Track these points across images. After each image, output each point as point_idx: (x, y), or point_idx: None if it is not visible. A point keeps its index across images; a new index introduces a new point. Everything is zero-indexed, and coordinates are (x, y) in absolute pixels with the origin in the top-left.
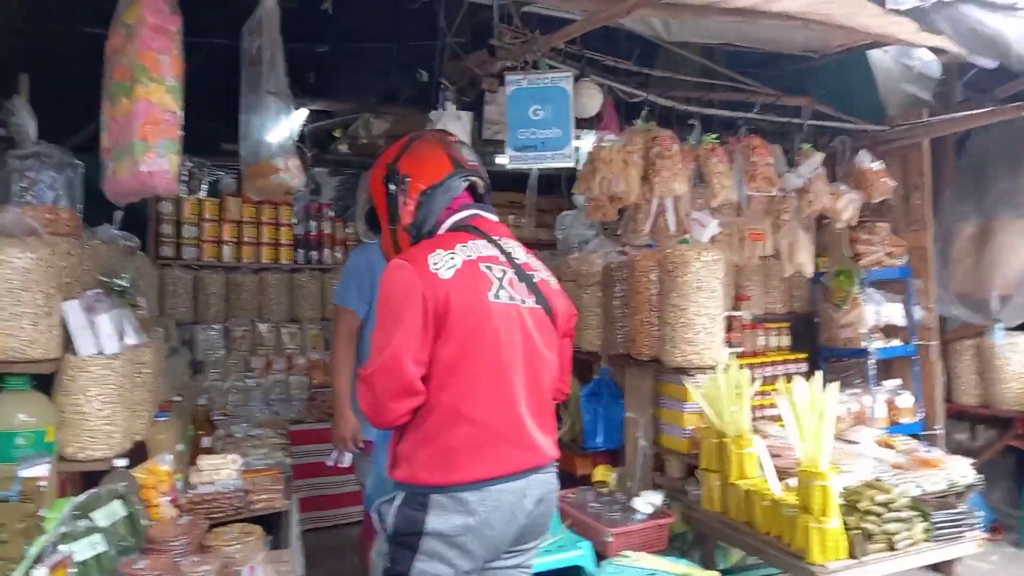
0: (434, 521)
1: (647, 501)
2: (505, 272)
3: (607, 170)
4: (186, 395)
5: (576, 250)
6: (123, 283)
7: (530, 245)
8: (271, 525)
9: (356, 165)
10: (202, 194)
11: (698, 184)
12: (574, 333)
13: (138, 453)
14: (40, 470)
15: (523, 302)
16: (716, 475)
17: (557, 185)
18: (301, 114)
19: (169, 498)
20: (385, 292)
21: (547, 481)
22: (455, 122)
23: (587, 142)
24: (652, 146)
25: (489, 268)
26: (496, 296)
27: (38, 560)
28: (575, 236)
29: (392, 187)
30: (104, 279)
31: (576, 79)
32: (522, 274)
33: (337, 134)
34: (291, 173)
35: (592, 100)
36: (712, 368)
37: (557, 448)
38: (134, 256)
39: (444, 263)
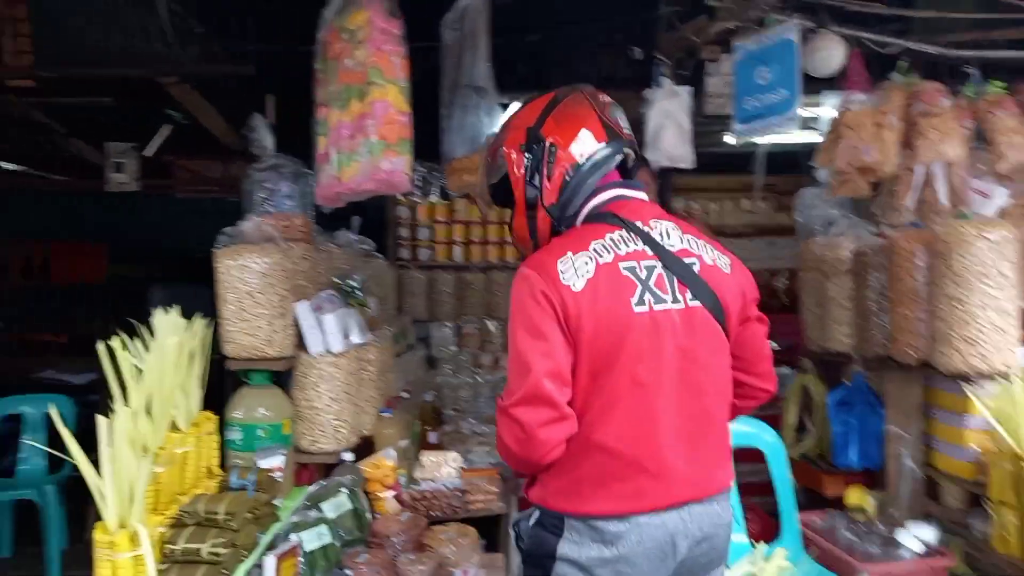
0: (567, 547)
1: (916, 535)
2: (652, 269)
3: (855, 137)
4: (415, 391)
5: (819, 233)
6: (353, 284)
7: (768, 232)
8: (487, 526)
9: None
10: (433, 197)
11: (977, 146)
12: (757, 315)
13: (366, 448)
14: (276, 461)
15: (676, 303)
16: (1012, 510)
17: (797, 163)
18: (509, 107)
19: (393, 493)
20: (516, 308)
21: (710, 516)
22: (672, 99)
23: (829, 106)
24: (913, 103)
25: (631, 270)
26: (640, 303)
27: (270, 547)
28: (817, 217)
29: (532, 157)
30: (336, 281)
31: (811, 31)
32: (676, 266)
33: None
34: None
35: (833, 54)
36: (1003, 375)
37: (728, 474)
38: (370, 259)
39: (576, 271)
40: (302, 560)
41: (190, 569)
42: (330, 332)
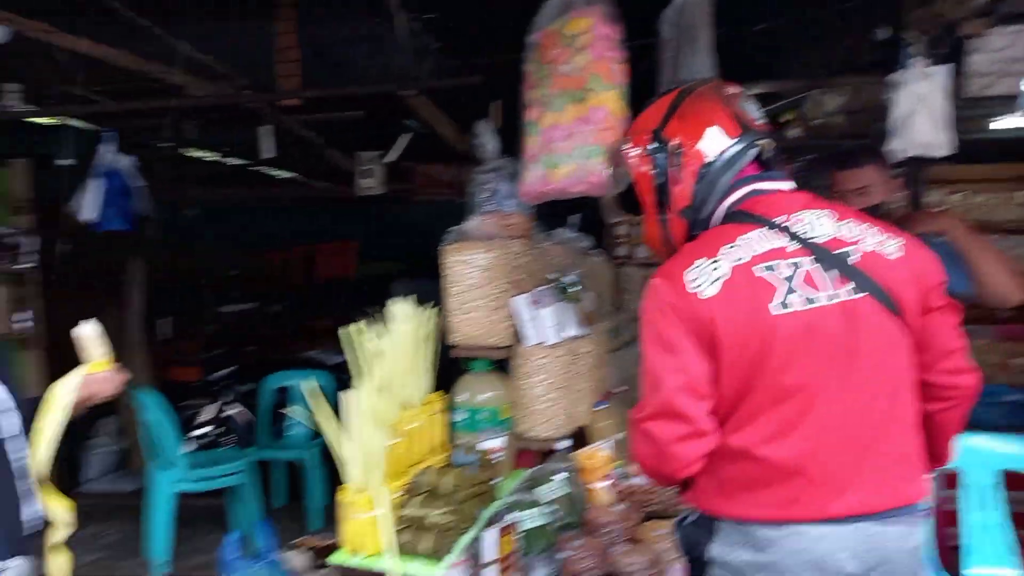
0: (719, 549)
1: None
2: (797, 266)
3: None
4: (631, 387)
5: None
6: (568, 280)
7: None
8: None
9: (813, 149)
10: None
11: None
12: (943, 302)
13: (581, 438)
14: (495, 443)
15: (833, 298)
16: None
17: None
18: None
19: (607, 484)
20: (645, 320)
21: (888, 537)
22: (925, 81)
23: None
24: None
25: (771, 268)
26: (784, 305)
27: (490, 523)
28: None
29: (659, 161)
30: (552, 277)
31: None
32: (829, 259)
33: (788, 117)
34: None
35: None
36: None
37: (918, 489)
38: (587, 256)
39: (705, 277)
40: (519, 537)
41: (419, 534)
42: (545, 325)
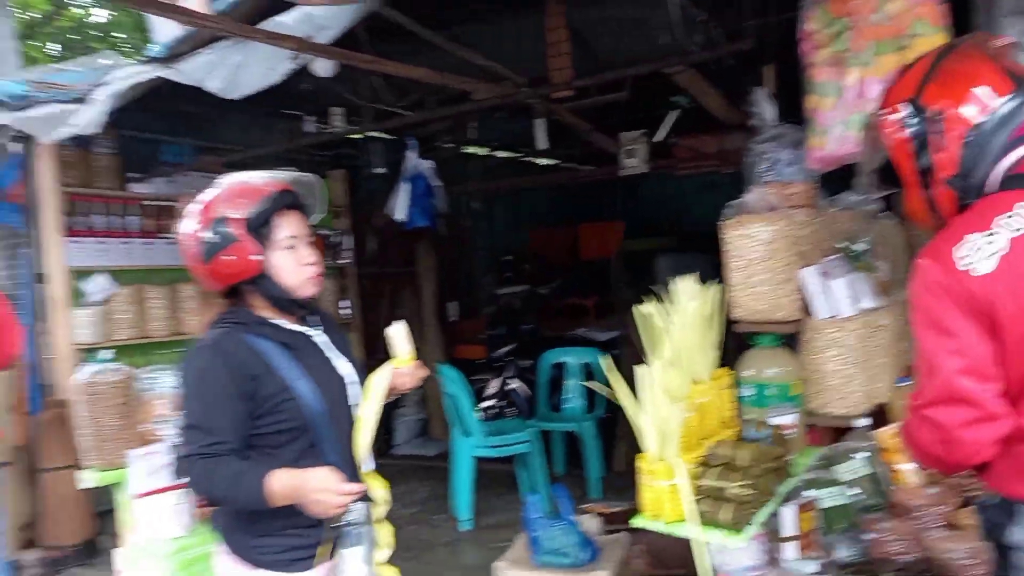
0: (1021, 534)
1: None
2: None
3: None
4: None
5: None
6: (859, 248)
7: None
8: None
9: None
10: None
11: None
12: None
13: (881, 416)
14: (787, 419)
15: None
16: None
17: None
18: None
19: (915, 465)
20: (916, 302)
21: None
22: None
23: None
24: None
25: None
26: None
27: (787, 499)
28: None
29: (919, 130)
30: (840, 245)
31: None
32: None
33: None
34: None
35: None
36: None
37: None
38: (876, 220)
39: (978, 252)
40: (818, 515)
41: (718, 504)
42: (837, 297)
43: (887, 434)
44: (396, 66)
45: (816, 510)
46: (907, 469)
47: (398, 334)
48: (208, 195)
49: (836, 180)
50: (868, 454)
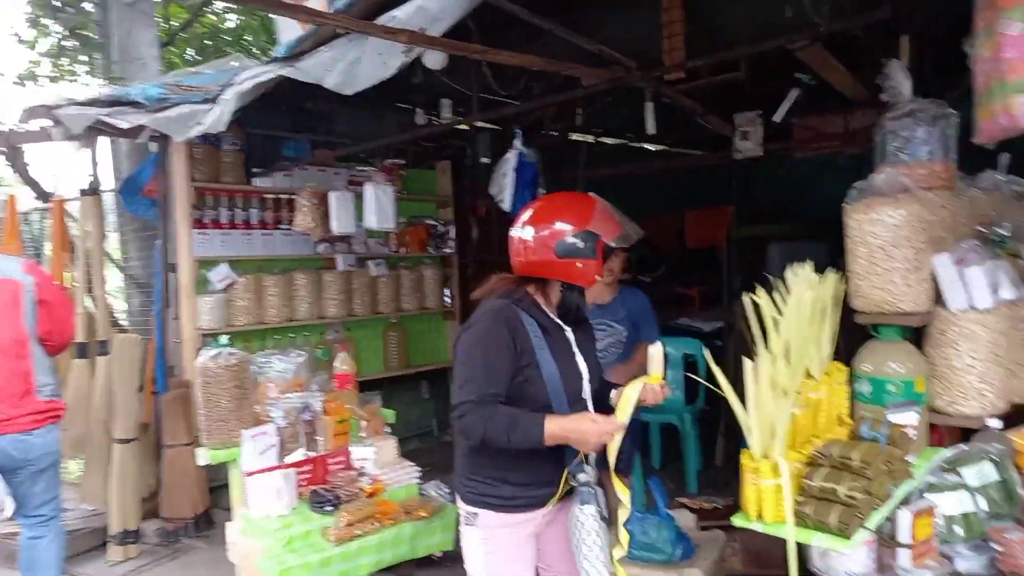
0: None
1: None
2: None
3: None
4: None
5: None
6: (1002, 233)
7: None
8: None
9: None
10: None
11: None
12: None
13: (1017, 417)
14: (908, 418)
15: None
16: None
17: None
18: None
19: None
20: None
21: None
22: None
23: None
24: None
25: None
26: None
27: (904, 502)
28: None
29: None
30: (982, 229)
31: None
32: None
33: None
34: None
35: None
36: None
37: None
38: (1022, 202)
39: None
40: (939, 522)
41: (826, 506)
42: (975, 286)
43: (1022, 435)
44: (506, 55)
45: (938, 516)
46: None
47: (656, 354)
48: (584, 207)
49: (978, 158)
50: (1000, 458)
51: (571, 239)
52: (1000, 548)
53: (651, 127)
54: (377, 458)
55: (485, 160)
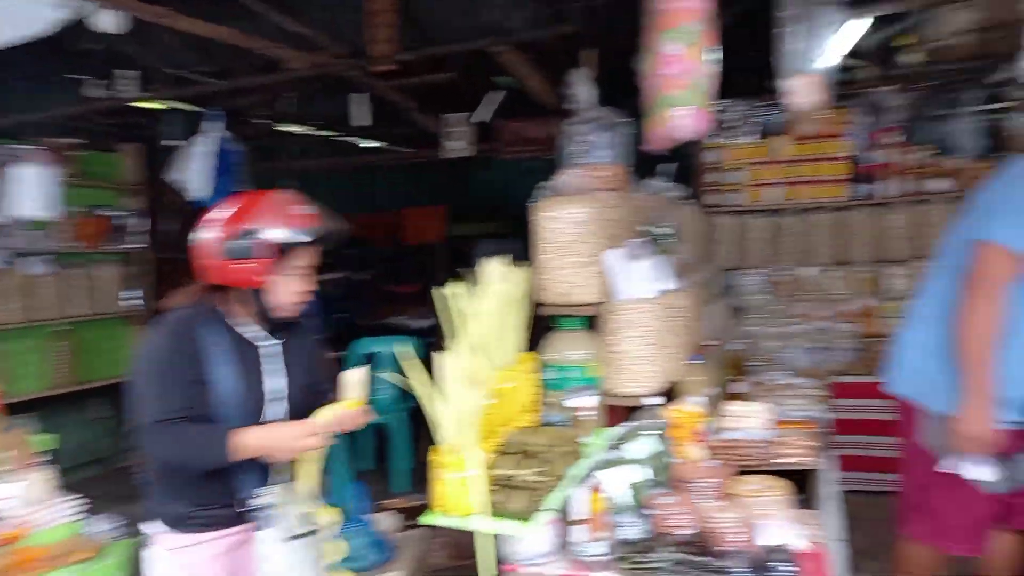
0: None
1: None
2: None
3: None
4: (723, 340)
5: None
6: (663, 231)
7: None
8: (803, 481)
9: (935, 76)
10: (749, 139)
11: None
12: None
13: (674, 394)
14: (583, 401)
15: None
16: None
17: None
18: (854, 28)
19: (697, 440)
20: None
21: None
22: None
23: None
24: None
25: None
26: None
27: (580, 481)
28: None
29: None
30: (647, 228)
31: None
32: None
33: (904, 42)
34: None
35: None
36: None
37: None
38: (681, 206)
39: None
40: (608, 495)
41: (511, 493)
42: (639, 279)
43: (674, 410)
44: (193, 22)
45: (607, 490)
46: (689, 444)
47: (354, 380)
48: (247, 202)
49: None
50: (656, 431)
51: (238, 240)
52: (655, 513)
53: (359, 119)
54: (27, 495)
55: (177, 142)
